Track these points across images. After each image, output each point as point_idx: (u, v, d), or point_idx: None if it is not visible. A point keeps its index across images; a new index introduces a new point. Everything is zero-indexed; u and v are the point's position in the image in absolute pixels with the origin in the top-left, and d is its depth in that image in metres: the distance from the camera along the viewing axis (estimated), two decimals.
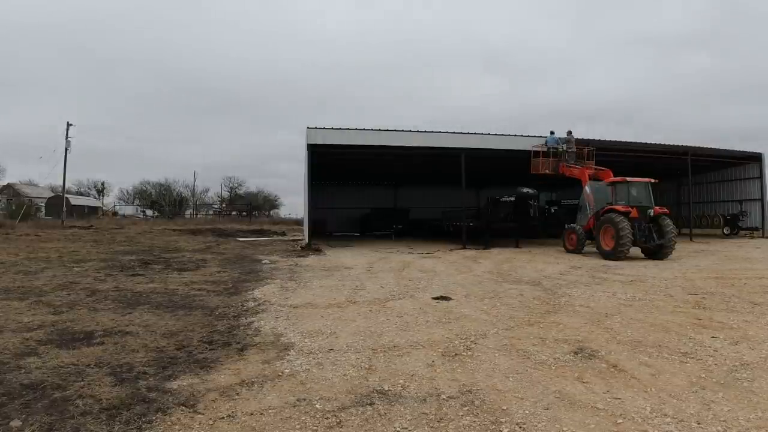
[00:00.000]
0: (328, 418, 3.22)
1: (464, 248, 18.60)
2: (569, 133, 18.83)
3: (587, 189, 17.18)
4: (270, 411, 3.33)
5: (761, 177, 26.23)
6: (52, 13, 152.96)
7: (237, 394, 3.65)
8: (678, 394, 3.63)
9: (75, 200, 62.10)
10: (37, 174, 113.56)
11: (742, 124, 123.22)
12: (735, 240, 24.37)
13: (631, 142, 22.68)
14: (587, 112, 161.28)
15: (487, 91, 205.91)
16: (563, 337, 5.30)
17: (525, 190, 22.74)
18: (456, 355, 4.68)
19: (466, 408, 3.40)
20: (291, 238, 26.30)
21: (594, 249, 15.73)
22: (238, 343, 5.08)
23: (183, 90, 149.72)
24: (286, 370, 4.19)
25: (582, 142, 19.20)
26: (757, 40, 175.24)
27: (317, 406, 3.42)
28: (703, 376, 4.05)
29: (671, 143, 23.71)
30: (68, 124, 39.47)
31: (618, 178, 16.08)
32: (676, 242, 14.73)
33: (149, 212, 67.40)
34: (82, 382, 3.80)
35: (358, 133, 19.37)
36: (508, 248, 18.68)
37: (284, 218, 61.20)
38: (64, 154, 39.40)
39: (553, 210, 27.36)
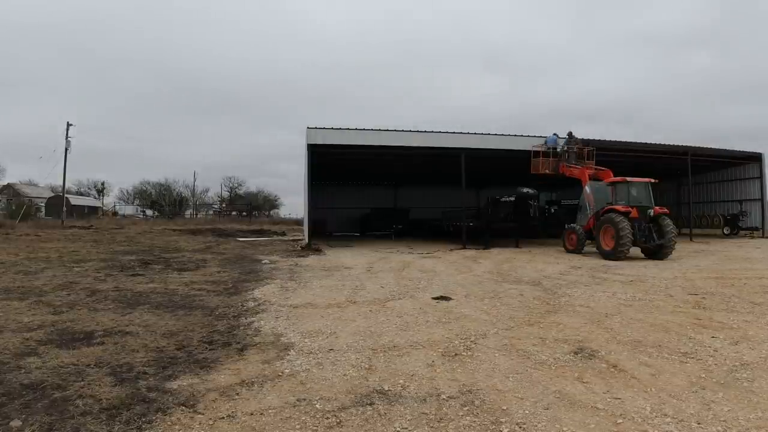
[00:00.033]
0: (328, 418, 3.22)
1: (464, 248, 18.60)
2: (570, 134, 18.83)
3: (587, 189, 17.18)
4: (270, 411, 3.33)
5: (761, 177, 26.23)
6: (52, 13, 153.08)
7: (237, 394, 3.65)
8: (678, 394, 3.63)
9: (75, 200, 62.11)
10: (37, 174, 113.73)
11: (742, 124, 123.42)
12: (735, 240, 24.37)
13: (631, 142, 22.69)
14: (587, 111, 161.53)
15: (487, 90, 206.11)
16: (563, 337, 5.30)
17: (525, 190, 22.75)
18: (456, 355, 4.68)
19: (466, 408, 3.40)
20: (291, 238, 26.30)
21: (594, 249, 15.73)
22: (238, 343, 5.08)
23: (183, 90, 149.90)
24: (286, 370, 4.19)
25: (582, 142, 19.19)
26: (758, 39, 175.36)
27: (317, 406, 3.42)
28: (703, 376, 4.05)
29: (671, 143, 23.73)
30: (68, 124, 39.53)
31: (618, 178, 16.08)
32: (676, 242, 14.73)
33: (149, 212, 67.40)
34: (82, 382, 3.80)
35: (358, 133, 19.37)
36: (508, 248, 18.67)
37: (284, 218, 61.20)
38: (64, 154, 39.47)
39: (553, 210, 27.36)
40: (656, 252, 14.66)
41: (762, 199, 26.34)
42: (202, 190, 74.88)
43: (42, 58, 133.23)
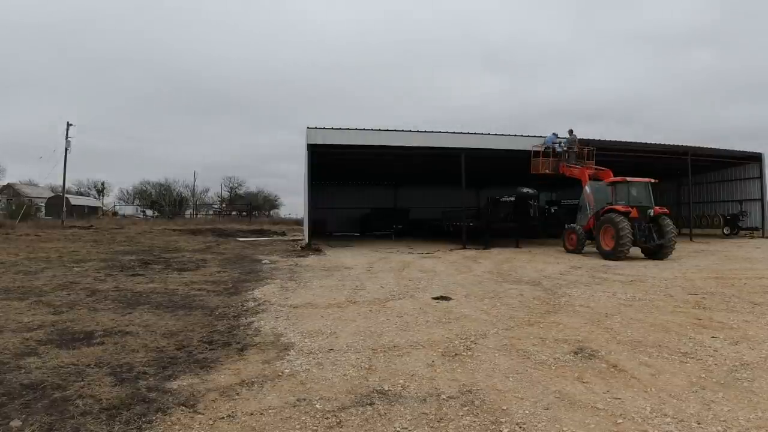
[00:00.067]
0: (328, 418, 3.22)
1: (464, 248, 18.60)
2: (571, 132, 18.83)
3: (587, 189, 17.18)
4: (270, 411, 3.33)
5: (761, 177, 26.23)
6: (52, 13, 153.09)
7: (237, 394, 3.65)
8: (678, 394, 3.63)
9: (75, 200, 62.10)
10: (37, 174, 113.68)
11: (742, 124, 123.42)
12: (735, 240, 24.37)
13: (631, 142, 22.69)
14: (587, 111, 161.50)
15: (487, 90, 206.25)
16: (563, 337, 5.30)
17: (525, 190, 22.75)
18: (456, 355, 4.68)
19: (466, 408, 3.40)
20: (291, 238, 26.30)
21: (594, 249, 15.74)
22: (238, 343, 5.08)
23: (183, 90, 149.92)
24: (286, 370, 4.19)
25: (582, 142, 19.19)
26: (759, 38, 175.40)
27: (317, 406, 3.42)
28: (703, 376, 4.05)
29: (671, 143, 23.74)
30: (68, 124, 39.52)
31: (618, 178, 16.08)
32: (676, 242, 14.73)
33: (149, 212, 67.41)
34: (82, 382, 3.80)
35: (358, 133, 19.37)
36: (508, 248, 18.68)
37: (284, 218, 61.19)
38: (64, 154, 39.46)
39: (553, 210, 27.36)
40: (656, 252, 14.66)
41: (762, 199, 26.34)
42: (202, 190, 75.01)
43: (42, 58, 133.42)
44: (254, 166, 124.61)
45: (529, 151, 19.17)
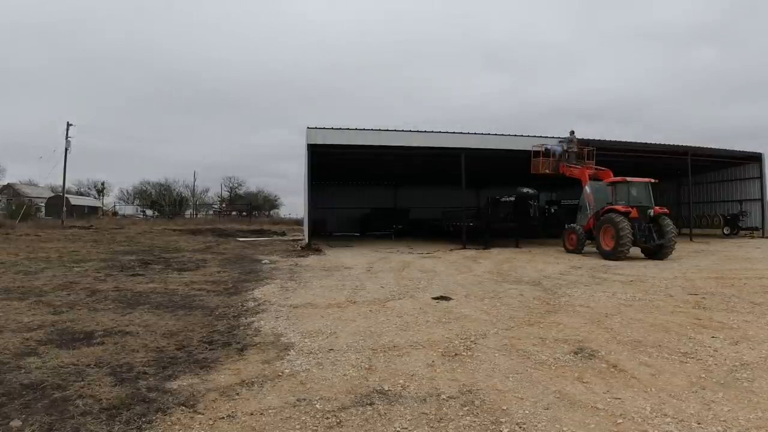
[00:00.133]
0: (328, 418, 3.22)
1: (464, 248, 18.60)
2: (572, 133, 18.83)
3: (587, 189, 17.18)
4: (270, 411, 3.33)
5: (761, 177, 26.23)
6: (52, 13, 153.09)
7: (237, 394, 3.65)
8: (678, 394, 3.63)
9: (75, 200, 62.11)
10: (37, 174, 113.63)
11: (742, 124, 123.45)
12: (735, 240, 24.37)
13: (631, 142, 22.70)
14: (588, 110, 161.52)
15: (488, 89, 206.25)
16: (563, 337, 5.30)
17: (525, 190, 22.75)
18: (456, 355, 4.68)
19: (466, 408, 3.40)
20: (291, 238, 26.30)
21: (594, 249, 15.74)
22: (238, 343, 5.08)
23: (183, 90, 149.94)
24: (286, 370, 4.19)
25: (582, 142, 19.20)
26: (759, 38, 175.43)
27: (317, 406, 3.42)
28: (703, 376, 4.05)
29: (671, 143, 23.74)
30: (68, 124, 39.53)
31: (618, 178, 16.08)
32: (676, 242, 14.73)
33: (149, 212, 67.41)
34: (82, 382, 3.80)
35: (358, 133, 19.37)
36: (508, 248, 18.68)
37: (284, 218, 61.19)
38: (64, 154, 39.46)
39: (553, 210, 27.36)
40: (656, 252, 14.66)
41: (762, 199, 26.34)
42: (202, 190, 75.01)
43: (42, 59, 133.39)
44: (254, 166, 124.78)
45: (529, 151, 19.16)
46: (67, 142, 39.37)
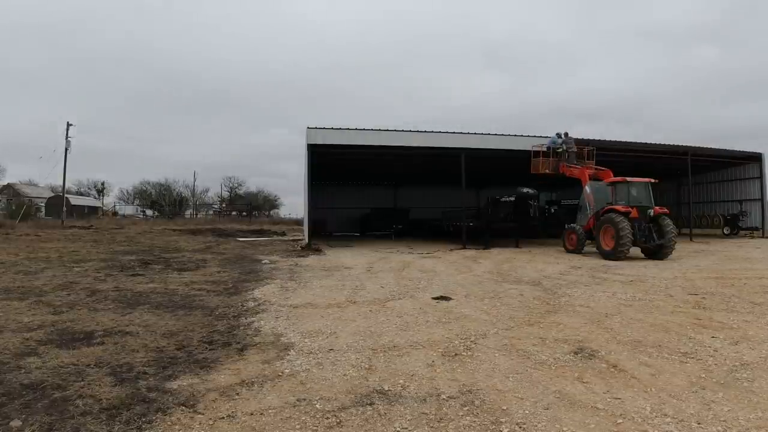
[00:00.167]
0: (328, 418, 3.22)
1: (464, 248, 18.60)
2: (566, 134, 18.83)
3: (587, 189, 17.18)
4: (270, 411, 3.33)
5: (761, 177, 26.24)
6: (52, 13, 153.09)
7: (237, 394, 3.65)
8: (678, 394, 3.63)
9: (75, 200, 62.10)
10: (37, 174, 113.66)
11: (742, 123, 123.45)
12: (735, 240, 24.37)
13: (631, 142, 22.70)
14: (588, 110, 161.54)
15: (488, 89, 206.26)
16: (563, 337, 5.30)
17: (525, 190, 22.75)
18: (456, 355, 4.68)
19: (466, 408, 3.40)
20: (291, 238, 26.30)
21: (594, 249, 15.74)
22: (238, 343, 5.08)
23: (183, 90, 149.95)
24: (286, 370, 4.19)
25: (582, 142, 19.20)
26: (760, 37, 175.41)
27: (317, 406, 3.42)
28: (703, 376, 4.05)
29: (671, 143, 23.76)
30: (68, 124, 39.52)
31: (618, 178, 16.08)
32: (676, 242, 14.74)
33: (149, 212, 67.40)
34: (82, 382, 3.80)
35: (358, 133, 19.37)
36: (508, 248, 18.68)
37: (284, 218, 61.19)
38: (64, 154, 39.45)
39: (553, 210, 27.36)
40: (656, 252, 14.67)
41: (762, 199, 26.34)
42: (202, 190, 75.00)
43: (42, 58, 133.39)
44: (254, 166, 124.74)
45: (529, 151, 19.17)
46: (67, 142, 39.38)
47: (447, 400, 3.53)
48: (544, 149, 18.86)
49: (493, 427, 3.10)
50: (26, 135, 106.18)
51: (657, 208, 15.09)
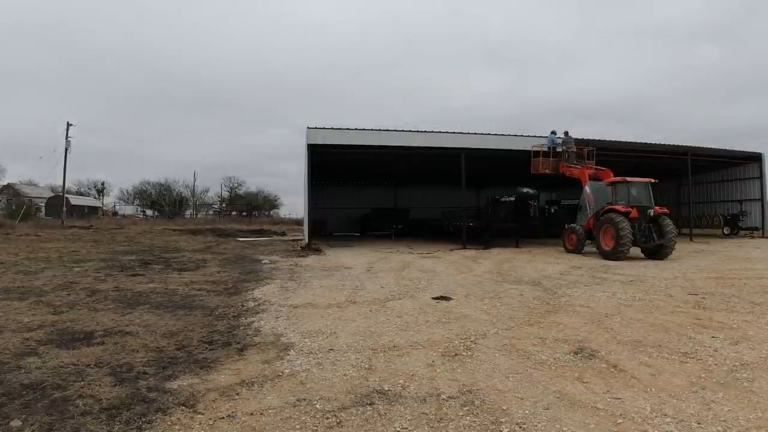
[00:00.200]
0: (328, 418, 3.22)
1: (464, 248, 18.60)
2: (566, 133, 18.84)
3: (587, 189, 17.18)
4: (270, 411, 3.33)
5: (761, 177, 26.24)
6: (52, 13, 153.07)
7: (237, 394, 3.65)
8: (678, 394, 3.63)
9: (75, 200, 62.10)
10: (37, 174, 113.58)
11: (742, 123, 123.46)
12: (735, 240, 24.37)
13: (631, 142, 22.70)
14: (588, 110, 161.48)
15: (487, 89, 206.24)
16: (563, 337, 5.30)
17: (525, 190, 22.75)
18: (456, 355, 4.68)
19: (466, 408, 3.40)
20: (291, 238, 26.30)
21: (594, 249, 15.74)
22: (238, 343, 5.08)
23: (183, 90, 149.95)
24: (286, 370, 4.19)
25: (582, 142, 19.20)
26: (760, 36, 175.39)
27: (317, 406, 3.42)
28: (703, 376, 4.05)
29: (671, 143, 23.75)
30: (68, 124, 39.52)
31: (618, 178, 16.08)
32: (676, 242, 14.74)
33: (149, 212, 67.40)
34: (82, 382, 3.80)
35: (358, 133, 19.37)
36: (508, 248, 18.68)
37: (284, 218, 61.19)
38: (64, 154, 39.45)
39: (553, 210, 27.37)
40: (656, 252, 14.66)
41: (762, 199, 26.34)
42: (202, 190, 74.98)
43: (42, 58, 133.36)
44: (254, 166, 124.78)
45: (529, 151, 19.17)
46: (67, 142, 39.38)
47: (447, 400, 3.53)
48: (545, 149, 18.87)
49: (493, 427, 3.10)
50: (26, 135, 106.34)
51: (657, 208, 15.09)
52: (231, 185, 79.33)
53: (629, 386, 3.82)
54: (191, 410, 3.33)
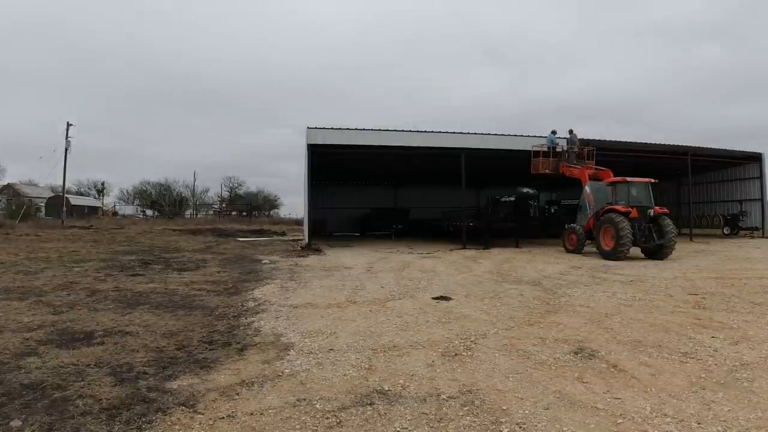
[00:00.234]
0: (328, 418, 3.22)
1: (464, 248, 18.60)
2: (570, 132, 18.85)
3: (587, 189, 17.18)
4: (270, 411, 3.33)
5: (761, 177, 26.25)
6: (52, 13, 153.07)
7: (237, 394, 3.65)
8: (678, 394, 3.63)
9: (75, 200, 62.10)
10: (37, 174, 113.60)
11: (743, 123, 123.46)
12: (735, 240, 24.37)
13: (631, 142, 22.71)
14: (588, 110, 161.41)
15: (488, 89, 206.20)
16: (563, 337, 5.31)
17: (525, 190, 22.76)
18: (456, 355, 4.68)
19: (466, 408, 3.40)
20: (291, 238, 26.30)
21: (594, 249, 15.74)
22: (238, 343, 5.08)
23: (183, 90, 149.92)
24: (286, 370, 4.19)
25: (582, 142, 19.21)
26: (761, 36, 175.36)
27: (317, 406, 3.42)
28: (703, 376, 4.05)
29: (671, 143, 23.76)
30: (68, 124, 39.52)
31: (618, 178, 16.08)
32: (676, 242, 14.74)
33: (149, 212, 67.40)
34: (82, 382, 3.80)
35: (358, 133, 19.37)
36: (508, 248, 18.68)
37: (284, 218, 61.19)
38: (64, 154, 39.45)
39: (553, 210, 27.37)
40: (656, 252, 14.67)
41: (762, 199, 26.35)
42: (202, 190, 74.98)
43: (42, 58, 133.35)
44: (254, 166, 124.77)
45: (529, 151, 19.17)
46: (67, 142, 39.38)
47: (447, 400, 3.53)
48: (545, 149, 18.87)
49: (493, 427, 3.10)
50: (26, 135, 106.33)
51: (657, 208, 15.10)
52: (231, 185, 79.45)
53: (629, 386, 3.82)
54: (191, 410, 3.33)
